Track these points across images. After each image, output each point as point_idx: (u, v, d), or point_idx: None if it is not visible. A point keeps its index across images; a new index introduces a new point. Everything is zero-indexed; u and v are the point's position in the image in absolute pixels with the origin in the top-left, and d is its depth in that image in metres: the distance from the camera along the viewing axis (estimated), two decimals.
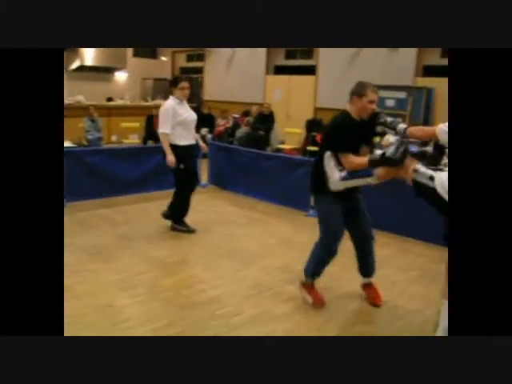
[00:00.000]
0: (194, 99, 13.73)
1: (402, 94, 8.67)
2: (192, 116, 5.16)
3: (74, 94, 11.38)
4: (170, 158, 4.82)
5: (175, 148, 4.84)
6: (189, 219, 5.10)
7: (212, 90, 13.15)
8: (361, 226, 3.48)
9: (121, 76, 13.92)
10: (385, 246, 4.61)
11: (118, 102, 12.61)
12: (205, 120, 11.22)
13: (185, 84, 5.03)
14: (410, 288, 3.61)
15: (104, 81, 13.42)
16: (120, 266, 4.08)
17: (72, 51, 12.27)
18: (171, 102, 4.99)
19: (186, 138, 5.07)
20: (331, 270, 3.88)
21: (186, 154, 5.02)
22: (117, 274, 3.90)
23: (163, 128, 4.89)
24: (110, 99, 12.73)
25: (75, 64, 12.58)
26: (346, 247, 3.26)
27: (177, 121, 4.85)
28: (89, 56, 12.55)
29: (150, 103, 12.69)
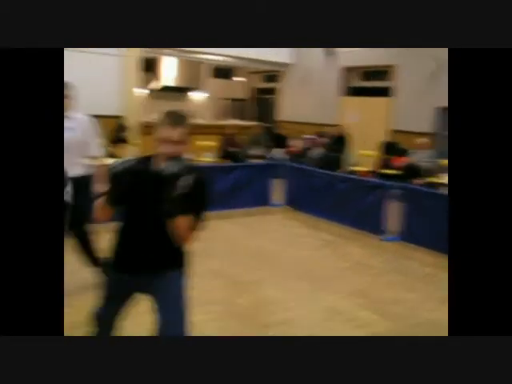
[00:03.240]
0: (267, 119, 13.90)
1: None
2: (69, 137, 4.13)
3: (154, 112, 11.61)
4: None
5: None
6: (262, 240, 5.08)
7: (285, 110, 13.10)
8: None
9: (197, 96, 14.24)
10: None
11: (195, 121, 12.85)
12: (278, 141, 11.33)
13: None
14: None
15: (181, 101, 13.69)
16: (194, 283, 3.99)
17: (151, 72, 12.89)
18: None
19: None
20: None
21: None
22: (191, 290, 3.82)
23: None
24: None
25: (154, 84, 13.17)
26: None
27: None
28: (168, 77, 13.17)
29: (226, 122, 12.91)
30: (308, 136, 10.54)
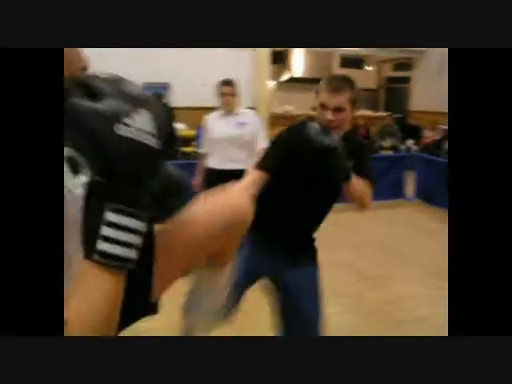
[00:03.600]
0: (399, 110, 13.64)
1: None
2: (229, 133, 4.37)
3: (284, 104, 11.94)
4: (195, 181, 4.53)
5: (206, 171, 4.43)
6: (392, 233, 5.00)
7: (420, 99, 12.67)
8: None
9: None
10: None
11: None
12: (410, 131, 11.11)
13: (224, 89, 4.38)
14: None
15: (311, 92, 13.76)
16: (324, 274, 4.05)
17: (281, 64, 13.15)
18: (213, 113, 4.56)
19: (218, 160, 4.45)
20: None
21: (214, 180, 4.02)
22: (322, 281, 3.88)
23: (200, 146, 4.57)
24: (314, 108, 13.10)
25: (285, 76, 13.40)
26: None
27: (208, 138, 4.51)
28: (298, 68, 13.45)
29: (356, 113, 12.84)
30: (444, 126, 10.14)
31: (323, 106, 2.24)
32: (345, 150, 2.10)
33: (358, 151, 2.37)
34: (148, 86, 12.04)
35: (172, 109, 10.80)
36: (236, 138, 4.32)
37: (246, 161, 4.17)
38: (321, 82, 2.28)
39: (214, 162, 4.34)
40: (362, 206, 2.27)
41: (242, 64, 11.45)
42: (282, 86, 13.77)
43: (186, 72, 11.46)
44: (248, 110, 4.46)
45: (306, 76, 13.76)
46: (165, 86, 12.01)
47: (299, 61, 13.68)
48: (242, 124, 4.31)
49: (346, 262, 4.50)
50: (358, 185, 2.17)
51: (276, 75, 13.77)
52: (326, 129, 2.03)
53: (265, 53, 11.74)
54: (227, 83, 4.37)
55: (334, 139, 2.01)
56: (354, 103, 2.20)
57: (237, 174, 3.77)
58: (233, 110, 4.36)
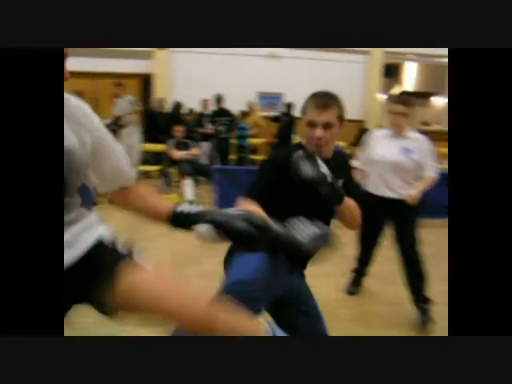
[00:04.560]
0: None
1: None
2: (391, 159, 3.83)
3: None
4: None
5: (363, 194, 3.96)
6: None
7: None
8: None
9: (438, 101, 14.08)
10: None
11: (435, 127, 13.00)
12: None
13: (395, 108, 3.83)
14: None
15: (421, 106, 13.82)
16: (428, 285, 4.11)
17: (393, 77, 13.08)
18: (380, 131, 4.11)
19: (374, 185, 3.98)
20: None
21: (372, 206, 3.85)
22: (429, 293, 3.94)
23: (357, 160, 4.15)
24: (425, 123, 13.10)
25: (396, 90, 13.44)
26: None
27: (370, 158, 3.98)
28: (409, 82, 13.34)
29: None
30: None
31: (312, 124, 2.16)
32: (335, 174, 2.06)
33: (344, 169, 2.37)
34: (263, 96, 12.65)
35: (294, 118, 10.74)
36: (397, 165, 3.85)
37: (403, 190, 3.86)
38: (306, 100, 2.21)
39: (371, 186, 3.98)
40: (352, 227, 2.29)
41: (354, 76, 11.55)
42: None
43: (299, 83, 11.55)
44: (419, 136, 3.96)
45: (418, 90, 13.63)
46: (278, 96, 12.42)
47: (411, 74, 13.50)
48: (407, 151, 3.80)
49: (446, 275, 4.51)
50: (350, 207, 2.18)
51: (387, 88, 13.75)
52: (312, 156, 2.01)
53: (376, 65, 11.78)
54: (400, 101, 3.88)
55: (320, 170, 1.98)
56: (342, 119, 2.20)
57: (393, 203, 3.77)
58: (402, 132, 3.90)
